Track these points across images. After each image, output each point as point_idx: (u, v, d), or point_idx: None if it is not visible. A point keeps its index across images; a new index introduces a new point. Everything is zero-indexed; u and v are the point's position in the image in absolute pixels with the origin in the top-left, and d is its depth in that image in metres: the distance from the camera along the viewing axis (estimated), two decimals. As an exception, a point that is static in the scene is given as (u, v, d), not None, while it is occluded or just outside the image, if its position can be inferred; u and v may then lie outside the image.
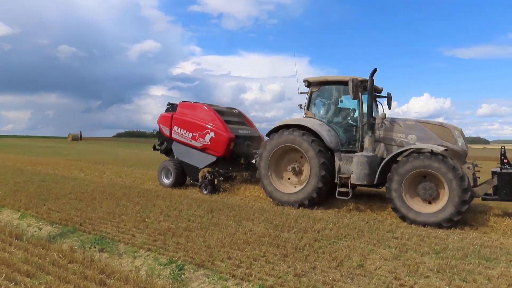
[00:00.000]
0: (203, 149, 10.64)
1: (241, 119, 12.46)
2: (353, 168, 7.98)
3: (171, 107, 11.81)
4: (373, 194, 10.87)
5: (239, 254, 5.17)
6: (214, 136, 10.35)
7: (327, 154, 8.33)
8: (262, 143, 9.79)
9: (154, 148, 12.41)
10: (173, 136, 11.18)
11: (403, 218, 7.30)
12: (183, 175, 11.10)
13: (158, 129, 11.82)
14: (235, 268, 4.73)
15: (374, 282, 4.33)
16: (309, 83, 9.15)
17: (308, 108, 9.15)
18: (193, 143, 10.76)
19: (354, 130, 8.66)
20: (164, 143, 11.67)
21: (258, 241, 5.74)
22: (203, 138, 10.53)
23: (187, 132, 10.86)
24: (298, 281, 4.33)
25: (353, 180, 8.01)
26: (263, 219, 7.19)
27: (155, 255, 5.28)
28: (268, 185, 8.91)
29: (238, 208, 8.15)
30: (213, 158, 10.52)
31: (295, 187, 8.84)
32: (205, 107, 11.01)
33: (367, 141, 8.11)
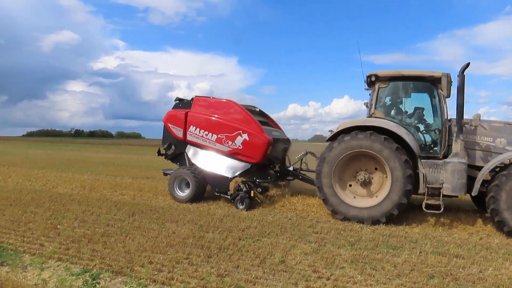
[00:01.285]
0: (232, 154, 8.84)
1: (265, 119, 10.55)
2: (447, 176, 7.03)
3: (182, 103, 9.78)
4: (296, 191, 11.30)
5: (161, 258, 4.99)
6: (248, 139, 8.62)
7: (411, 164, 7.15)
8: (327, 146, 7.71)
9: (159, 153, 10.08)
10: (189, 138, 9.26)
11: (510, 232, 6.52)
12: (204, 187, 9.19)
13: (164, 130, 9.73)
14: (156, 272, 4.55)
15: (294, 277, 4.49)
16: (377, 78, 7.84)
17: (375, 107, 7.88)
18: (219, 147, 8.91)
19: (436, 132, 7.59)
20: (171, 146, 9.67)
21: (182, 243, 5.60)
22: (233, 141, 8.74)
23: (210, 134, 8.96)
24: (221, 281, 4.31)
25: (447, 190, 7.03)
26: (187, 220, 7.05)
27: (66, 265, 4.85)
28: (332, 196, 7.52)
29: (162, 210, 7.89)
30: (247, 166, 8.77)
31: (354, 197, 7.65)
32: (234, 104, 9.21)
33: (458, 146, 7.17)
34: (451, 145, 7.29)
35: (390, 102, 8.08)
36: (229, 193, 8.70)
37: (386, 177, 7.38)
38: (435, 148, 7.59)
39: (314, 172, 9.26)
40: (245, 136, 8.64)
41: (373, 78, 7.90)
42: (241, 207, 8.32)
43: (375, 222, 7.15)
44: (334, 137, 7.61)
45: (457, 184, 6.94)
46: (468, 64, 7.18)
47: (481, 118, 7.34)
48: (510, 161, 6.96)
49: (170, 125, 9.58)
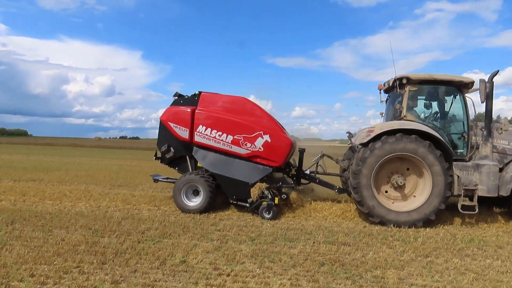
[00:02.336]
0: (251, 158, 8.00)
1: None
2: (482, 178, 7.39)
3: (184, 100, 8.58)
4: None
5: (46, 269, 4.48)
6: (270, 141, 7.89)
7: (451, 170, 7.36)
8: (368, 147, 7.40)
9: (156, 157, 8.91)
10: (197, 139, 8.13)
11: None
12: (216, 194, 8.23)
13: (162, 129, 8.52)
14: (38, 286, 4.06)
15: (195, 276, 4.45)
16: (408, 81, 7.85)
17: (407, 110, 7.89)
18: (235, 149, 7.98)
19: (464, 136, 7.83)
20: (170, 149, 8.50)
21: (72, 251, 5.11)
22: (253, 143, 7.91)
23: (225, 135, 7.98)
24: (115, 288, 4.05)
25: (482, 192, 7.38)
26: (80, 226, 6.47)
27: None
28: (370, 198, 7.33)
29: (50, 216, 7.10)
30: (268, 170, 8.02)
31: (393, 202, 7.63)
32: (249, 101, 8.35)
33: (488, 149, 7.63)
34: (474, 147, 7.74)
35: (421, 105, 8.34)
36: (249, 200, 7.94)
37: (422, 181, 7.53)
38: (461, 151, 7.85)
39: (331, 175, 9.55)
40: (266, 137, 7.90)
41: (404, 81, 7.89)
42: (267, 216, 7.63)
43: (411, 226, 7.20)
44: (375, 139, 7.39)
45: (492, 185, 7.38)
46: (497, 72, 7.61)
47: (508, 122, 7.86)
48: None
49: (172, 124, 8.31)
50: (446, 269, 4.96)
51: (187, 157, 8.56)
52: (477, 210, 7.25)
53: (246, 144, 7.92)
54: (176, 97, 8.68)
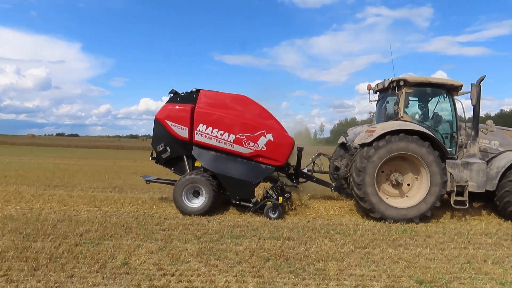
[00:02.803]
0: (253, 157, 7.88)
1: None
2: (472, 176, 7.88)
3: (180, 97, 8.18)
4: (139, 189, 10.91)
5: (-33, 279, 4.07)
6: (272, 140, 7.81)
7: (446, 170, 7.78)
8: (373, 146, 7.61)
9: (152, 157, 8.39)
10: (197, 138, 7.84)
11: None
12: (219, 195, 7.97)
13: (158, 128, 8.08)
14: (-42, 298, 3.69)
15: (137, 278, 4.30)
16: (405, 83, 8.10)
17: (404, 111, 8.18)
18: (238, 148, 7.81)
19: (454, 135, 8.30)
20: (167, 148, 8.12)
21: (-1, 258, 4.70)
22: (255, 142, 7.79)
23: (227, 134, 7.77)
24: (49, 296, 3.79)
25: (472, 188, 7.84)
26: (8, 230, 5.96)
27: None
28: (373, 195, 7.54)
29: (-27, 220, 6.46)
30: (271, 169, 7.98)
31: (387, 198, 7.87)
32: (250, 99, 8.18)
33: (475, 148, 8.09)
34: (462, 146, 8.20)
35: (415, 106, 8.68)
36: (253, 200, 7.82)
37: (417, 179, 7.93)
38: (450, 150, 8.24)
39: (327, 173, 9.83)
40: (269, 136, 7.81)
41: (401, 83, 8.13)
42: (273, 215, 7.61)
43: (409, 221, 7.53)
44: (378, 138, 7.58)
45: (481, 181, 7.88)
46: (484, 76, 7.98)
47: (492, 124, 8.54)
48: None
49: (169, 123, 7.93)
50: (382, 258, 5.29)
51: (185, 157, 8.26)
52: (467, 205, 7.75)
53: (249, 143, 7.81)
54: (172, 94, 8.27)
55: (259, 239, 6.04)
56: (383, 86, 8.81)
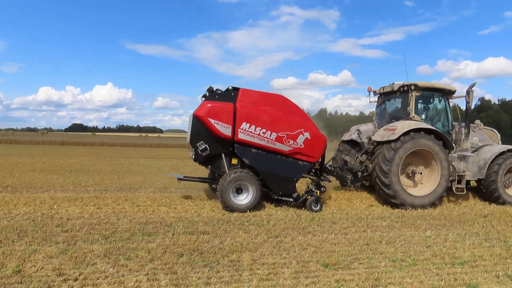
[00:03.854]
0: (292, 154, 8.15)
1: None
2: (468, 166, 9.53)
3: (219, 95, 8.03)
4: (37, 187, 9.91)
5: None
6: (309, 138, 8.12)
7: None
8: (400, 141, 8.66)
9: (197, 157, 8.07)
10: (240, 136, 7.81)
11: (504, 202, 9.61)
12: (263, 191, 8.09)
13: (198, 125, 7.89)
14: None
15: (32, 286, 3.86)
16: (415, 87, 9.36)
17: (414, 112, 9.40)
18: (279, 146, 8.00)
19: (450, 133, 9.79)
20: (207, 147, 7.94)
21: None
22: (295, 140, 8.04)
23: (269, 132, 7.88)
24: None
25: (469, 177, 9.51)
26: None
27: None
28: (396, 183, 8.64)
29: None
30: (308, 166, 8.40)
31: (405, 188, 8.91)
32: (286, 98, 8.35)
33: (468, 143, 9.81)
34: (456, 142, 9.73)
35: (421, 108, 9.94)
36: (294, 195, 8.25)
37: (428, 171, 9.24)
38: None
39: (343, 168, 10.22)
40: (306, 134, 8.11)
41: (412, 87, 9.35)
42: (316, 208, 8.13)
43: (422, 207, 8.74)
44: (399, 135, 8.60)
45: (475, 171, 9.58)
46: (474, 83, 9.46)
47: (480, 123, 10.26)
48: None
49: (212, 121, 7.74)
50: (292, 246, 5.56)
51: (223, 154, 8.15)
52: (465, 191, 9.53)
53: (288, 141, 8.03)
54: (211, 92, 8.12)
55: (173, 235, 5.89)
56: (392, 89, 9.95)
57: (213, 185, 8.83)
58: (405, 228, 6.87)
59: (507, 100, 76.77)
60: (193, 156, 8.19)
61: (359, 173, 9.72)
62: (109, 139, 52.60)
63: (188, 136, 8.20)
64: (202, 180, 9.29)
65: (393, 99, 10.37)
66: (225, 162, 8.21)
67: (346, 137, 10.93)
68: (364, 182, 9.90)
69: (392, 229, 6.79)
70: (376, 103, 10.94)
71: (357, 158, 9.83)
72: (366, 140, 9.98)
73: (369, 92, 10.72)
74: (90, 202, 8.11)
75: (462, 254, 5.40)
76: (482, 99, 78.53)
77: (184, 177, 8.88)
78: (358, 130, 10.28)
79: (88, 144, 41.37)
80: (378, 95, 10.77)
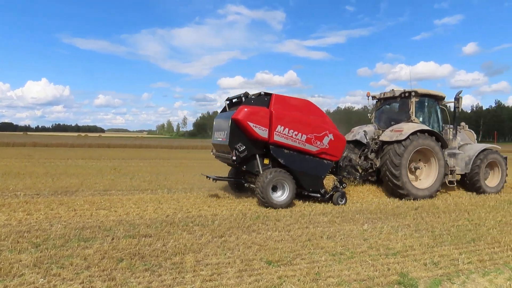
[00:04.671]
0: (319, 154, 9.05)
1: None
2: (458, 162, 11.10)
3: (254, 100, 8.74)
4: None
5: None
6: (333, 139, 9.11)
7: None
8: (407, 141, 9.98)
9: (238, 159, 8.48)
10: (276, 138, 8.52)
11: (484, 192, 11.31)
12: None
13: (237, 129, 8.46)
14: None
15: None
16: (415, 93, 10.70)
17: (415, 115, 10.78)
18: (308, 147, 8.87)
19: (441, 133, 11.08)
20: (244, 149, 8.51)
21: None
22: (321, 141, 8.97)
23: (300, 134, 8.71)
24: None
25: (458, 171, 11.08)
26: None
27: None
28: (405, 176, 9.87)
29: None
30: (331, 164, 9.45)
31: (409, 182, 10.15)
32: (311, 103, 9.24)
33: (456, 143, 11.34)
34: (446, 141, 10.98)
35: (420, 112, 11.16)
36: (322, 191, 9.09)
37: (426, 167, 10.71)
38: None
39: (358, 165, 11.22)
40: (330, 136, 9.02)
41: (413, 93, 10.69)
42: (342, 202, 9.05)
43: (431, 197, 10.32)
44: (407, 136, 9.87)
45: (462, 167, 11.32)
46: (461, 91, 11.00)
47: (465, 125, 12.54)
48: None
49: (251, 124, 8.35)
50: (237, 245, 5.57)
51: (257, 155, 8.76)
52: (455, 183, 11.29)
53: (316, 142, 8.89)
54: (248, 97, 8.86)
55: (112, 239, 5.62)
56: (393, 95, 11.23)
57: (245, 184, 9.59)
58: (345, 223, 7.20)
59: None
60: (234, 158, 8.51)
61: (366, 170, 11.06)
62: (43, 139, 49.16)
63: (223, 137, 8.89)
64: (233, 179, 10.15)
65: (393, 104, 11.75)
66: (258, 162, 8.81)
67: (350, 137, 11.77)
68: (370, 177, 11.27)
69: (332, 224, 7.07)
70: (374, 106, 12.33)
71: (361, 156, 11.25)
72: (370, 141, 11.25)
73: (368, 97, 11.96)
74: (19, 208, 7.51)
75: (395, 245, 5.77)
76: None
77: (216, 177, 9.51)
78: (364, 131, 11.38)
79: (19, 145, 38.18)
80: (377, 100, 12.05)
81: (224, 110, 9.97)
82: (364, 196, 10.32)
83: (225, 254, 5.14)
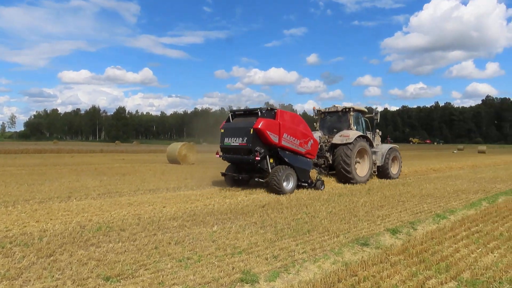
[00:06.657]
0: (305, 154, 12.54)
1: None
2: (378, 158, 15.84)
3: (265, 113, 11.63)
4: None
5: None
6: (313, 142, 12.84)
7: None
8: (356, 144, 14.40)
9: (260, 160, 11.39)
10: (283, 143, 11.63)
11: (391, 177, 16.07)
12: None
13: (257, 136, 11.36)
14: None
15: None
16: (353, 109, 15.35)
17: (353, 125, 15.33)
18: (300, 149, 12.26)
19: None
20: (262, 151, 11.39)
21: None
22: (307, 144, 12.53)
23: (296, 140, 12.05)
24: None
25: (378, 164, 15.78)
26: None
27: None
28: (353, 168, 14.12)
29: None
30: (312, 161, 13.19)
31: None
32: (299, 116, 13.43)
33: (374, 144, 16.11)
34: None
35: (356, 122, 15.56)
36: (308, 181, 12.46)
37: (362, 161, 14.99)
38: None
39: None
40: (311, 140, 12.79)
41: (351, 109, 15.24)
42: (322, 187, 12.60)
43: (366, 181, 14.72)
44: (353, 139, 14.17)
45: (380, 160, 15.78)
46: (377, 107, 17.07)
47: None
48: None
49: (268, 132, 11.18)
50: (69, 263, 4.83)
51: (267, 156, 11.63)
52: (376, 172, 15.94)
53: (304, 145, 12.37)
54: (262, 111, 11.57)
55: None
56: (336, 110, 15.72)
57: (256, 179, 12.08)
58: (195, 226, 7.08)
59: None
60: (258, 158, 11.16)
61: (320, 165, 14.91)
62: None
63: (242, 142, 11.53)
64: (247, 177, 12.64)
65: (334, 116, 15.99)
66: (268, 162, 11.67)
67: None
68: (323, 171, 14.84)
69: (182, 229, 6.86)
70: (318, 117, 16.53)
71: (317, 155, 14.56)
72: (321, 144, 14.93)
73: (315, 111, 16.62)
74: None
75: (241, 244, 5.94)
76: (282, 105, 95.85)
77: (237, 175, 12.51)
78: (319, 137, 14.91)
79: None
80: (322, 113, 16.33)
81: (228, 120, 12.54)
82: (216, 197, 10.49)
83: (53, 276, 4.38)
